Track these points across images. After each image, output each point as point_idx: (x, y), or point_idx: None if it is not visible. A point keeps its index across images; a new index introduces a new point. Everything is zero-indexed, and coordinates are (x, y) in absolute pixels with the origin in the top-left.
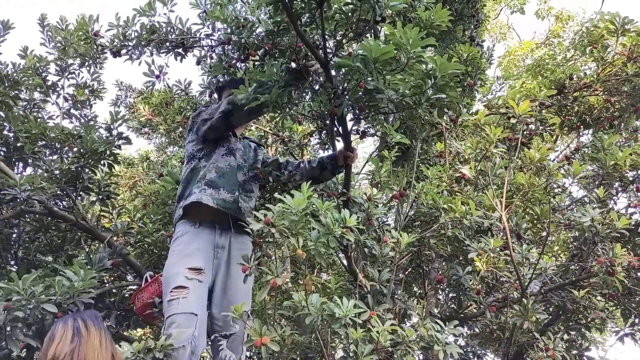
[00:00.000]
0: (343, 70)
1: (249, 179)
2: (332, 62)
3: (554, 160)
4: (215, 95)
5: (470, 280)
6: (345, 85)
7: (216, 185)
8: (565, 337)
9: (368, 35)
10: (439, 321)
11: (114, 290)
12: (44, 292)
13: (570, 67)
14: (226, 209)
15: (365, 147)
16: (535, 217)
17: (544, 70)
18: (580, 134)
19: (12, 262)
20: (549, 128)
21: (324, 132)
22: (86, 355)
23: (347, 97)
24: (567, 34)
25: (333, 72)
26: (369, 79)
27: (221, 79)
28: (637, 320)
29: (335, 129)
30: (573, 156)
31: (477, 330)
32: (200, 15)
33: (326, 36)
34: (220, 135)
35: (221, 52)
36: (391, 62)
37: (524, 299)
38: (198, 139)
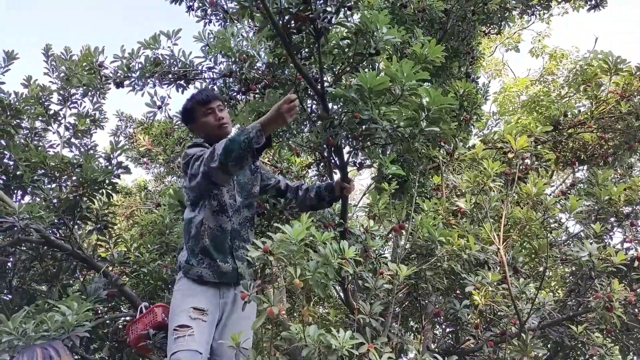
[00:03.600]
0: (339, 101)
1: (243, 221)
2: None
3: (550, 195)
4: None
5: (468, 315)
6: (342, 115)
7: (211, 255)
8: None
9: (365, 69)
10: (437, 356)
11: (107, 322)
12: (36, 329)
13: (565, 104)
14: (228, 280)
15: (362, 180)
16: (533, 251)
17: (539, 106)
18: (576, 169)
19: (6, 291)
20: (544, 163)
21: (322, 164)
22: None
23: (342, 127)
24: (561, 72)
25: (330, 105)
26: (364, 110)
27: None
28: (635, 358)
29: (332, 160)
30: (569, 191)
31: None
32: (203, 48)
33: (324, 69)
34: (211, 188)
35: (222, 85)
36: (386, 93)
37: (522, 334)
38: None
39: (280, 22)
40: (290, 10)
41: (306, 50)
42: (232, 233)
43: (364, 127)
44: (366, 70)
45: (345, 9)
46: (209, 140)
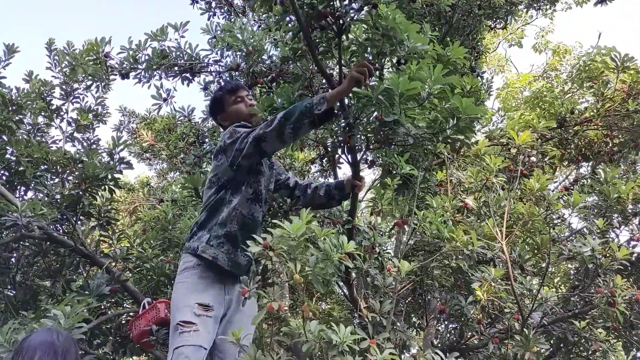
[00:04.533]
0: (358, 100)
1: (263, 216)
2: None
3: (554, 191)
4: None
5: (472, 311)
6: (361, 115)
7: (235, 242)
8: None
9: (388, 69)
10: (439, 352)
11: (110, 317)
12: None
13: (569, 100)
14: (237, 272)
15: (367, 176)
16: (536, 247)
17: (542, 102)
18: (579, 166)
19: (10, 287)
20: (549, 160)
21: (325, 159)
22: None
23: (360, 127)
24: (565, 68)
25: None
26: (391, 112)
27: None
28: (638, 354)
29: (344, 156)
30: (572, 187)
31: None
32: (210, 41)
33: (342, 66)
34: (255, 163)
35: (228, 78)
36: (416, 97)
37: (524, 330)
38: (228, 166)
39: (302, 15)
40: (314, 4)
41: (324, 45)
42: (262, 220)
43: (386, 129)
44: (390, 70)
45: (370, 6)
46: None
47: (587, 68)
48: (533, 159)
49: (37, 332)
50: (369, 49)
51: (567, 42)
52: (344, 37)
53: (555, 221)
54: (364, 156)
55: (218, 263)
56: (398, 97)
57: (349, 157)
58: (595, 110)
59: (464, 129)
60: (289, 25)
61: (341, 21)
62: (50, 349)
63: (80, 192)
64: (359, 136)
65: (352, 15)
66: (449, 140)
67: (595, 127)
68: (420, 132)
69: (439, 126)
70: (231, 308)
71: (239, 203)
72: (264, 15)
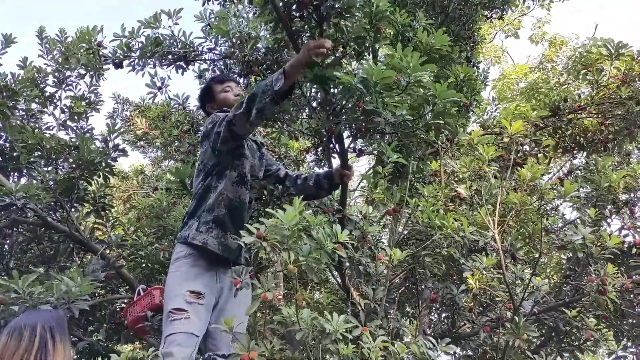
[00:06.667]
0: (341, 88)
1: (250, 199)
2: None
3: (548, 181)
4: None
5: (464, 299)
6: (344, 103)
7: (224, 226)
8: (558, 359)
9: (366, 54)
10: (431, 339)
11: (104, 304)
12: (44, 294)
13: (564, 91)
14: (228, 255)
15: (361, 166)
16: (528, 236)
17: (538, 93)
18: (574, 156)
19: (3, 274)
20: (543, 150)
21: (320, 149)
22: None
23: (344, 116)
24: (561, 59)
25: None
26: (368, 99)
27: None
28: (629, 343)
29: (332, 146)
30: (566, 178)
31: (469, 352)
32: (204, 29)
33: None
34: (233, 147)
35: (223, 67)
36: (391, 86)
37: (515, 318)
38: (211, 151)
39: (282, 6)
40: None
41: (307, 34)
42: (249, 204)
43: (367, 118)
44: (369, 58)
45: None
46: None
47: (582, 59)
48: (526, 147)
49: (30, 311)
50: (348, 34)
51: (564, 34)
52: (325, 26)
53: (549, 212)
54: (352, 145)
55: (209, 248)
56: (373, 86)
57: (337, 146)
58: (589, 98)
59: (441, 114)
60: (270, 15)
61: (321, 9)
62: (47, 324)
63: (75, 178)
64: (345, 125)
65: (332, 3)
66: (430, 126)
67: (590, 115)
68: (399, 120)
69: (417, 113)
70: (223, 296)
71: (225, 187)
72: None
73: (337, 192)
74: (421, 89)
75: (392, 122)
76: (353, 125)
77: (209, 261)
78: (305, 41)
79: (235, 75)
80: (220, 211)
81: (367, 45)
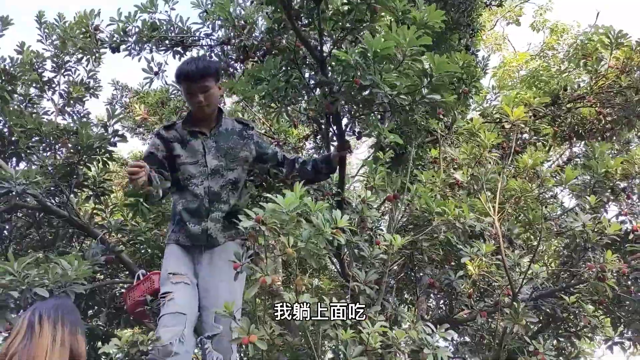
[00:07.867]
0: (339, 67)
1: (225, 184)
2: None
3: (548, 168)
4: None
5: (462, 285)
6: (341, 82)
7: (184, 220)
8: (555, 344)
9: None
10: (429, 324)
11: (104, 288)
12: (38, 276)
13: (565, 79)
14: (198, 241)
15: (360, 154)
16: (527, 223)
17: (538, 81)
18: (573, 144)
19: (3, 258)
20: (542, 138)
21: (319, 136)
22: (35, 356)
23: (341, 93)
24: (562, 47)
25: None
26: (367, 74)
27: None
28: (626, 330)
29: (330, 129)
30: (566, 165)
31: (467, 338)
32: (201, 15)
33: (324, 35)
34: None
35: (220, 52)
36: (389, 58)
37: (514, 303)
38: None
39: None
40: None
41: (306, 16)
42: (209, 195)
43: (364, 93)
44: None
45: None
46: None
47: (583, 47)
48: (526, 135)
49: (40, 301)
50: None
51: (565, 21)
52: (323, 6)
53: (548, 200)
54: (350, 126)
55: (180, 243)
56: (372, 57)
57: (334, 127)
58: (589, 88)
59: (438, 87)
60: None
61: None
62: (39, 310)
63: (74, 163)
64: (342, 103)
65: None
66: (426, 102)
67: (589, 103)
68: (397, 93)
69: (415, 88)
70: (201, 275)
71: (178, 188)
72: None
73: (336, 175)
74: (418, 64)
75: (389, 96)
76: (350, 104)
77: (185, 249)
78: (305, 22)
79: (233, 61)
80: (178, 209)
81: (364, 26)
